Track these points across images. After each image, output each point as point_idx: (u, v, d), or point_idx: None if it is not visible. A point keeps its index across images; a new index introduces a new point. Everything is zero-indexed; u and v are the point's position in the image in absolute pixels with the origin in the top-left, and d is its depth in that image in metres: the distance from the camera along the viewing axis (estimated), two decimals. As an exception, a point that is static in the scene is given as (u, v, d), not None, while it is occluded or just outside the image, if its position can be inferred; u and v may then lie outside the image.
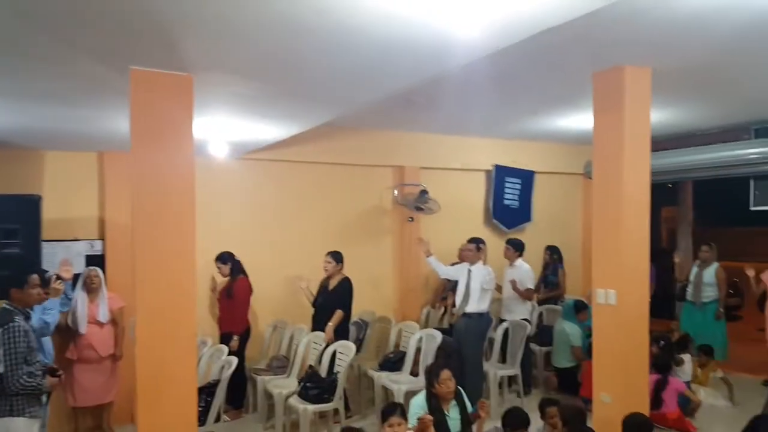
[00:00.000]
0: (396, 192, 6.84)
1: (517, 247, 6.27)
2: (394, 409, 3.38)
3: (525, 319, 6.01)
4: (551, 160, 7.87)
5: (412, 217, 6.76)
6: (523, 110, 5.86)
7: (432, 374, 3.71)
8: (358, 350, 5.76)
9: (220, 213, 5.93)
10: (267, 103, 3.93)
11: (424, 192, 6.57)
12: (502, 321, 6.09)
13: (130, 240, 3.55)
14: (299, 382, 4.92)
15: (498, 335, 5.88)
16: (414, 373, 5.28)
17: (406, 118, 6.08)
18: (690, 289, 6.69)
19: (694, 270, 6.72)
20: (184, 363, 3.17)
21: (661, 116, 5.95)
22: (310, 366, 5.10)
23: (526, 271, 6.15)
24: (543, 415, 3.94)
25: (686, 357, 5.80)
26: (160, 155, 3.15)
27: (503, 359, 5.82)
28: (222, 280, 5.67)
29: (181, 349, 3.15)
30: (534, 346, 6.39)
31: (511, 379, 5.79)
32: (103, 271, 5.28)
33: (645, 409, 4.07)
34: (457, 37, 2.57)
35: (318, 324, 5.39)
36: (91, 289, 5.04)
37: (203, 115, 4.06)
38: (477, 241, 5.55)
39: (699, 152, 6.87)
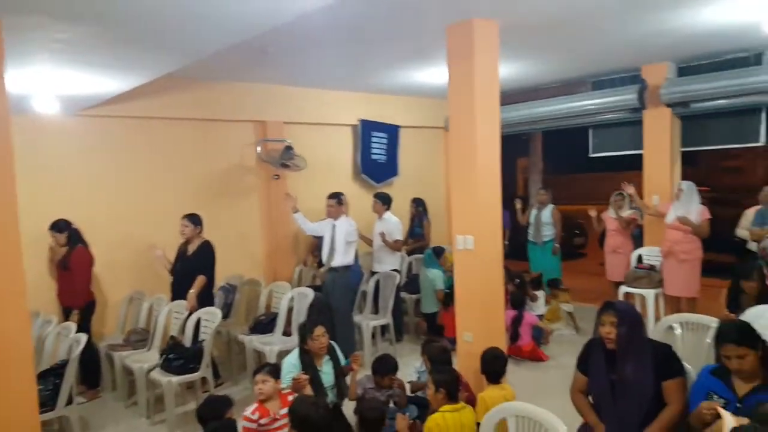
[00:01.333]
0: (259, 148, 6.58)
1: (384, 201, 6.37)
2: (261, 368, 3.32)
3: (395, 270, 6.18)
4: (415, 114, 8.03)
5: (278, 175, 6.56)
6: (382, 64, 5.86)
7: (305, 331, 3.68)
8: (226, 315, 5.63)
9: (59, 177, 5.33)
10: (98, 51, 3.49)
11: (289, 148, 6.39)
12: (373, 273, 6.22)
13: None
14: (161, 355, 4.67)
15: (370, 287, 6.02)
16: (287, 333, 5.22)
17: (265, 70, 5.82)
18: (531, 230, 7.29)
19: (534, 212, 7.31)
20: (18, 344, 2.82)
21: (510, 70, 6.28)
22: (172, 336, 4.84)
23: (394, 223, 6.29)
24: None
25: (540, 293, 6.37)
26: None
27: (376, 310, 5.97)
28: (61, 251, 5.12)
29: (12, 330, 2.79)
30: (404, 295, 6.63)
31: (384, 328, 5.97)
32: None
33: (502, 343, 4.40)
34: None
35: (178, 292, 5.10)
36: None
37: (21, 65, 3.54)
38: (337, 196, 5.53)
39: (544, 105, 7.42)
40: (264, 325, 5.41)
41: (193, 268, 5.07)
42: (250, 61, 5.36)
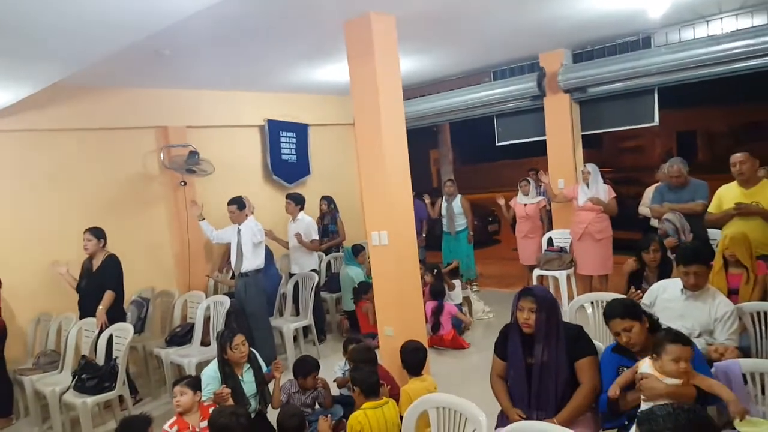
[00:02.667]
0: (162, 155, 6.27)
1: (297, 201, 6.27)
2: (180, 380, 3.19)
3: (313, 270, 6.11)
4: (323, 111, 7.96)
5: (184, 181, 6.29)
6: (284, 62, 5.75)
7: (224, 341, 3.55)
8: (141, 330, 5.42)
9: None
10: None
11: (193, 153, 6.13)
12: (291, 275, 6.12)
13: None
14: (73, 375, 4.44)
15: (289, 289, 5.92)
16: (205, 343, 5.07)
17: (164, 73, 5.56)
18: (445, 221, 7.45)
19: (444, 204, 7.47)
20: None
21: (412, 64, 6.36)
22: (84, 356, 4.61)
23: (308, 223, 6.21)
24: (346, 352, 4.06)
25: (457, 282, 6.51)
26: None
27: (297, 312, 5.88)
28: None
29: None
30: (325, 294, 6.59)
31: (306, 329, 5.89)
32: None
33: (423, 335, 4.46)
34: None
35: (87, 310, 4.85)
36: None
37: None
38: (236, 202, 5.31)
39: (448, 96, 7.58)
40: (180, 336, 5.23)
41: (99, 283, 4.83)
42: (146, 66, 5.10)
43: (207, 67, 5.53)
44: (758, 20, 5.52)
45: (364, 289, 5.90)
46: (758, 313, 3.22)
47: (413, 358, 3.59)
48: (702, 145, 22.11)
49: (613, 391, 2.52)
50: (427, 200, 7.70)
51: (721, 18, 5.70)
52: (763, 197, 4.03)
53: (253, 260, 5.24)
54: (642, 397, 2.40)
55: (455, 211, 7.33)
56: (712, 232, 4.64)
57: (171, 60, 4.92)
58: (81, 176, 5.74)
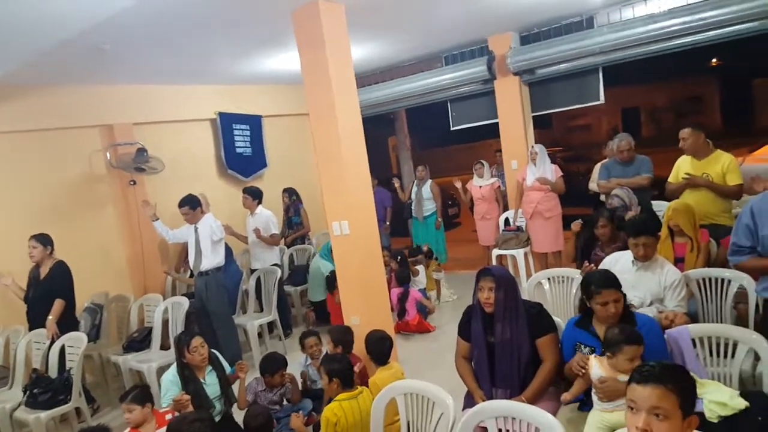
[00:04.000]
0: (108, 155, 6.05)
1: (255, 195, 6.16)
2: (126, 396, 3.07)
3: (275, 265, 6.04)
4: (278, 102, 7.82)
5: (134, 180, 6.09)
6: (233, 53, 5.61)
7: (182, 344, 3.47)
8: (96, 337, 5.25)
9: None
10: None
11: (142, 150, 5.94)
12: (253, 271, 6.04)
13: None
14: (24, 391, 4.28)
15: (251, 285, 5.83)
16: (165, 347, 4.96)
17: (107, 69, 5.33)
18: (413, 206, 7.49)
19: (414, 189, 7.52)
20: None
21: (365, 52, 6.32)
22: (35, 369, 4.44)
23: (267, 217, 6.11)
24: (303, 348, 4.05)
25: (420, 267, 6.55)
26: None
27: (260, 308, 5.80)
28: None
29: None
30: (289, 288, 6.52)
31: (271, 325, 5.83)
32: None
33: (389, 322, 4.48)
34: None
35: (36, 321, 4.65)
36: None
37: None
38: (188, 203, 5.11)
39: (402, 83, 7.59)
40: (138, 342, 5.10)
41: (48, 292, 4.64)
42: (86, 62, 4.88)
43: (152, 61, 5.33)
44: (693, -2, 5.73)
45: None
46: (704, 280, 3.37)
47: (378, 348, 3.61)
48: (646, 120, 22.96)
49: (565, 398, 2.61)
50: (397, 184, 7.75)
51: (660, -4, 5.88)
52: (713, 169, 4.22)
53: (212, 258, 5.12)
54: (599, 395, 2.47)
55: (424, 196, 7.38)
56: (657, 204, 4.83)
57: (112, 55, 4.73)
58: (22, 181, 5.46)
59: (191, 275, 5.73)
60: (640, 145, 5.31)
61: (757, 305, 3.07)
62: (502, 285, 2.79)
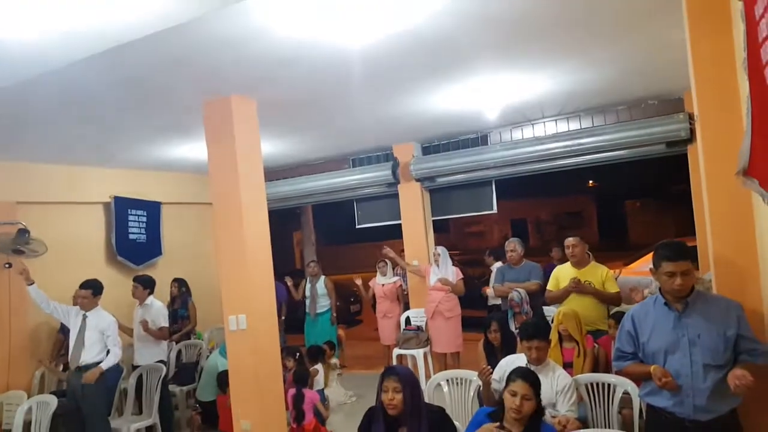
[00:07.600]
0: (-17, 234, 5.50)
1: (146, 284, 5.77)
2: None
3: (161, 361, 5.57)
4: (180, 189, 7.64)
5: (9, 263, 5.52)
6: (137, 138, 5.49)
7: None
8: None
9: None
10: None
11: (23, 231, 5.46)
12: (135, 367, 5.52)
13: None
14: None
15: (131, 384, 5.31)
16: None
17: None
18: (308, 302, 7.37)
19: (308, 285, 7.44)
20: None
21: (275, 147, 6.45)
22: None
23: (158, 308, 5.71)
24: None
25: (318, 367, 6.32)
26: None
27: (140, 410, 5.26)
28: None
29: None
30: (173, 388, 6.00)
31: (151, 429, 5.27)
32: None
33: (283, 427, 4.23)
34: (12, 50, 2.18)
35: None
36: None
37: None
38: (92, 286, 4.79)
39: (310, 180, 7.77)
40: (-11, 451, 4.39)
41: None
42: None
43: (44, 140, 5.07)
44: (573, 125, 6.50)
45: None
46: (591, 384, 3.53)
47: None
48: (532, 230, 24.89)
49: None
50: (289, 282, 7.58)
51: (544, 122, 6.62)
52: (594, 277, 4.57)
53: (94, 353, 4.64)
54: None
55: (318, 292, 7.29)
56: (547, 309, 5.12)
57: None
58: None
59: (64, 369, 5.14)
60: (528, 254, 5.73)
61: (641, 410, 3.21)
62: (408, 386, 2.74)
